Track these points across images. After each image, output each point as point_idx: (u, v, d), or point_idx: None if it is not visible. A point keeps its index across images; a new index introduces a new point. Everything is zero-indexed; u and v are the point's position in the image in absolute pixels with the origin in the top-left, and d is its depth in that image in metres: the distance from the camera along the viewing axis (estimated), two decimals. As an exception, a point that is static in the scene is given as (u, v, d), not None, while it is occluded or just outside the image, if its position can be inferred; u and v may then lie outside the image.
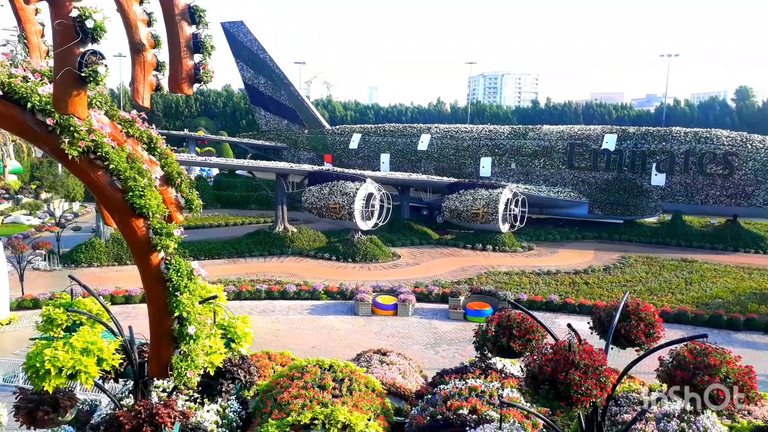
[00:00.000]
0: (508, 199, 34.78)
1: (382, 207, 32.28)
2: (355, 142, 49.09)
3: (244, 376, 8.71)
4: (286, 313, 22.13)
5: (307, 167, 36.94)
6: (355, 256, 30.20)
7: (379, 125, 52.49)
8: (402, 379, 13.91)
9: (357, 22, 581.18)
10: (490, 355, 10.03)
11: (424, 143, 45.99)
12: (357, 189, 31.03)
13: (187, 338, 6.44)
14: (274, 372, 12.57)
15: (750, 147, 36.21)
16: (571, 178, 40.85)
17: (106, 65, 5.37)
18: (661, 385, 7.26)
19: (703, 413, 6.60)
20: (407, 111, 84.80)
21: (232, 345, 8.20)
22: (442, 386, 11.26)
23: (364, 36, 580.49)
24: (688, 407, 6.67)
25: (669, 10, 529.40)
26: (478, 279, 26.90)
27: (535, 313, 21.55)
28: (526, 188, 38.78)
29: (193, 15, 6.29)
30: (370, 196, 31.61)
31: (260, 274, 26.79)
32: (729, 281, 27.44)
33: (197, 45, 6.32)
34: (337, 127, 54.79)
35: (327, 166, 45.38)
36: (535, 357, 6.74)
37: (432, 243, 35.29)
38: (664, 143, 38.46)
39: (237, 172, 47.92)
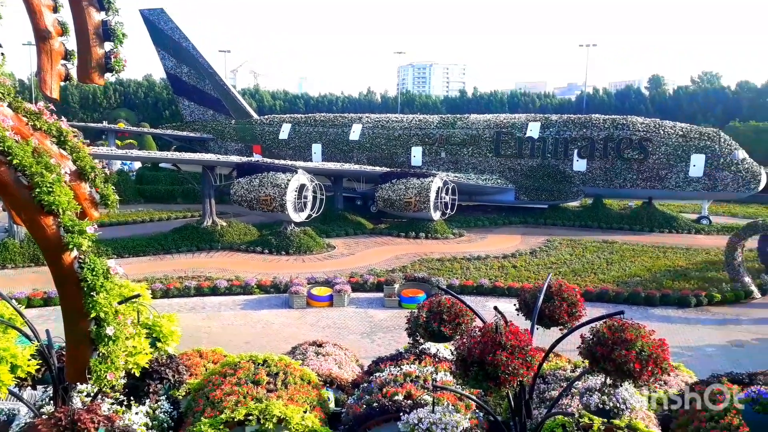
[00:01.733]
0: (438, 188, 35.34)
1: (315, 198, 31.99)
2: (285, 132, 48.34)
3: (173, 376, 8.47)
4: (218, 310, 21.60)
5: (235, 159, 36.03)
6: (289, 249, 29.85)
7: (310, 115, 51.95)
8: (338, 370, 13.88)
9: (284, 10, 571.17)
10: (422, 340, 10.20)
11: (355, 133, 45.92)
12: (288, 180, 30.59)
13: (106, 340, 6.14)
14: (206, 370, 12.24)
15: (662, 132, 38.41)
16: (498, 165, 41.97)
17: (2, 53, 4.99)
18: (583, 361, 7.62)
19: (621, 385, 6.98)
20: (338, 100, 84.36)
21: (158, 344, 7.93)
22: (377, 374, 11.36)
23: (293, 25, 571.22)
24: (609, 381, 7.03)
25: (586, 1, 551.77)
26: (412, 266, 27.23)
27: (466, 297, 21.98)
28: (456, 176, 39.51)
29: (102, 1, 5.95)
30: (302, 187, 31.26)
31: (189, 271, 26.00)
32: (646, 260, 29.10)
33: (107, 32, 5.99)
34: (266, 117, 53.74)
35: (256, 157, 44.47)
36: (464, 340, 6.90)
37: (366, 232, 35.39)
38: (584, 130, 40.15)
39: (161, 165, 46.16)
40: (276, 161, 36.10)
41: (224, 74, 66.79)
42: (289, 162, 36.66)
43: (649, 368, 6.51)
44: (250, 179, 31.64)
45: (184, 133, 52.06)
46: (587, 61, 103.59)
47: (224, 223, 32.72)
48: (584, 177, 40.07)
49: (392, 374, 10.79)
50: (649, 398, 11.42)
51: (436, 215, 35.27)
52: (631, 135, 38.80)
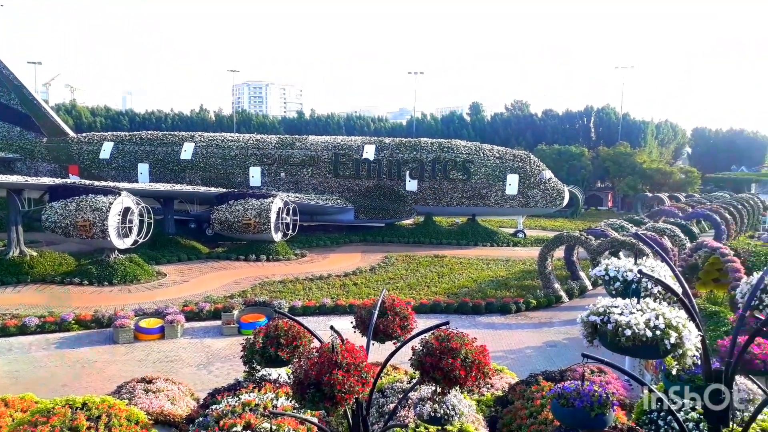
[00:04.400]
0: (279, 208, 34.96)
1: (142, 222, 29.79)
2: (106, 151, 44.53)
3: (-34, 434, 7.28)
4: (27, 351, 19.09)
5: (47, 180, 32.32)
6: (113, 279, 27.39)
7: (135, 133, 48.42)
8: (171, 406, 12.99)
9: (104, 19, 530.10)
10: (259, 367, 9.93)
11: (187, 152, 43.80)
12: (111, 203, 28.16)
13: None
14: (13, 421, 10.73)
15: (482, 155, 42.20)
16: (338, 186, 42.79)
17: None
18: (415, 372, 7.98)
19: (450, 393, 7.42)
20: (167, 118, 79.97)
21: (-54, 399, 6.78)
22: (214, 406, 10.81)
23: (115, 35, 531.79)
24: (438, 389, 7.44)
25: (414, 31, 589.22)
26: (253, 290, 26.52)
27: (309, 318, 21.84)
28: (297, 197, 39.47)
29: None
30: (126, 210, 28.95)
31: (-9, 309, 22.71)
32: (472, 272, 31.46)
33: None
34: (84, 134, 49.03)
35: (73, 179, 40.40)
36: (301, 363, 6.86)
37: (202, 257, 33.78)
38: (414, 152, 42.61)
39: (-46, 189, 39.90)
40: (96, 183, 33.06)
41: (34, 88, 59.99)
42: (112, 183, 33.80)
43: (473, 374, 7.00)
44: (65, 203, 28.62)
45: (-16, 153, 45.58)
46: (416, 88, 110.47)
47: (34, 253, 29.10)
48: (416, 196, 42.43)
49: (230, 405, 10.35)
50: (478, 402, 12.30)
51: (278, 236, 34.82)
52: (455, 157, 42.00)
